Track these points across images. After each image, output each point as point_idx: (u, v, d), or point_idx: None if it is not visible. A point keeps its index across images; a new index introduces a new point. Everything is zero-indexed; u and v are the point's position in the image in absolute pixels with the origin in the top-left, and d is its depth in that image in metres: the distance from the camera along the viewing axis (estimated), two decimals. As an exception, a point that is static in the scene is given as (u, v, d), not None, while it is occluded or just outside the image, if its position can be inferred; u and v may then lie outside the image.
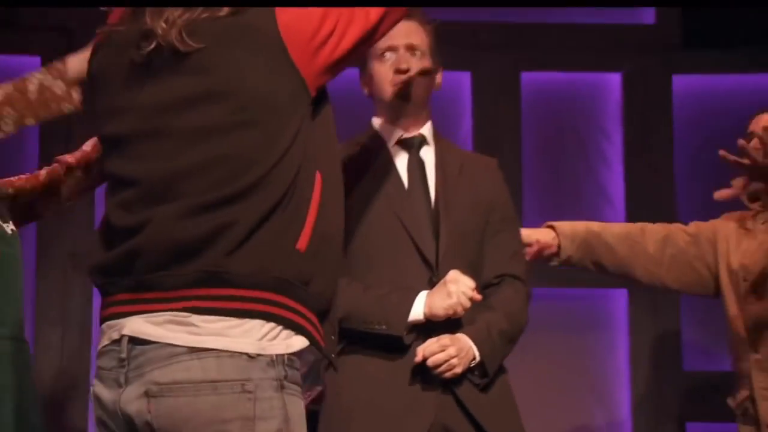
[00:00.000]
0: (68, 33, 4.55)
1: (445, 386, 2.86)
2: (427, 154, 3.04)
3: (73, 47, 4.64)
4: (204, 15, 2.00)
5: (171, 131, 2.00)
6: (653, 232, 3.47)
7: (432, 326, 2.85)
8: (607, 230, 3.49)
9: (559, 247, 3.42)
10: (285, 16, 2.02)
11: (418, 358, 2.82)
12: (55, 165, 3.16)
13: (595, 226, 3.50)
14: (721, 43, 4.68)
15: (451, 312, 2.83)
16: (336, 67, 2.09)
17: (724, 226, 3.38)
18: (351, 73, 3.05)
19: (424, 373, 2.84)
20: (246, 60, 2.00)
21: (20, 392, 3.00)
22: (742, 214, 3.36)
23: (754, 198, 3.33)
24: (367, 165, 2.98)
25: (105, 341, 2.02)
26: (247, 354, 1.95)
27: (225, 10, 2.00)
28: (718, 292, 3.42)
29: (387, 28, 2.17)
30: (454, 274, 2.86)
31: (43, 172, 3.17)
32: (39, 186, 3.17)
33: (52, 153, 3.47)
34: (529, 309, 3.08)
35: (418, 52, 2.99)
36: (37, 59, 4.49)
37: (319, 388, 2.59)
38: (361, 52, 2.15)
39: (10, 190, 3.11)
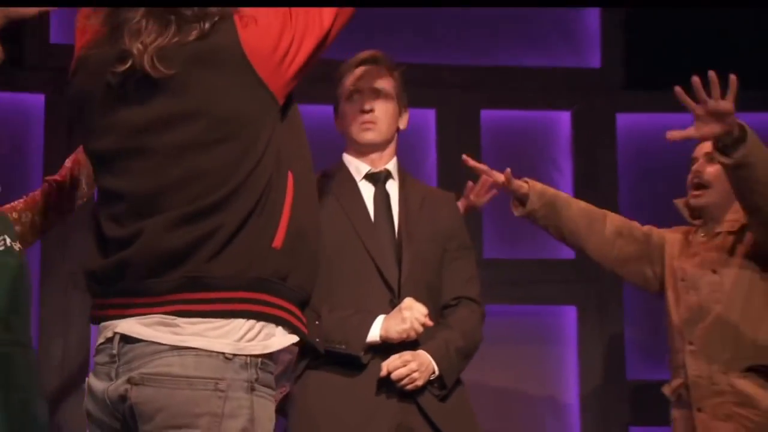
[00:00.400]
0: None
1: (407, 395, 2.93)
2: (392, 187, 3.11)
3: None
4: (174, 40, 2.01)
5: (153, 149, 2.02)
6: (613, 218, 3.57)
7: (388, 347, 2.92)
8: (574, 202, 3.58)
9: (527, 196, 3.47)
10: (247, 35, 2.03)
11: (383, 372, 2.90)
12: (45, 185, 3.22)
13: (563, 194, 3.59)
14: (661, 84, 4.38)
15: (404, 336, 2.90)
16: (300, 74, 2.10)
17: (672, 235, 3.51)
18: (327, 110, 3.20)
19: (385, 384, 2.92)
20: (215, 81, 2.01)
21: (25, 392, 3.05)
22: (687, 229, 3.50)
23: (696, 216, 3.48)
24: (337, 196, 3.04)
25: (101, 339, 2.06)
26: (224, 354, 1.98)
27: (193, 35, 2.01)
28: (659, 291, 3.52)
29: (339, 29, 2.16)
30: (408, 302, 2.92)
31: (38, 193, 3.23)
32: (37, 206, 3.23)
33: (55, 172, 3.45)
34: (483, 327, 3.14)
35: (382, 95, 3.06)
36: (41, 97, 4.57)
37: (288, 386, 2.73)
38: (319, 55, 2.14)
39: (14, 214, 3.20)
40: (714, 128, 3.01)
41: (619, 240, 3.55)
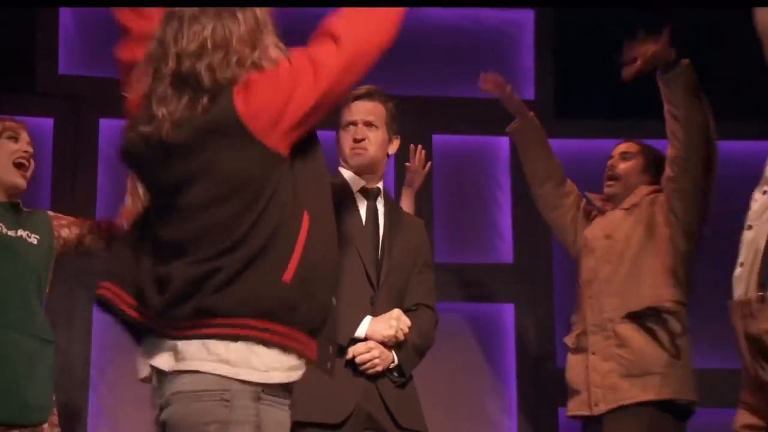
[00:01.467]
0: (78, 99, 4.83)
1: (370, 379, 3.11)
2: (380, 204, 3.30)
3: (82, 111, 4.57)
4: (186, 112, 2.13)
5: (178, 206, 2.17)
6: (571, 183, 4.03)
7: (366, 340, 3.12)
8: (554, 155, 4.04)
9: (525, 119, 3.93)
10: (242, 103, 2.13)
11: (349, 356, 3.09)
12: (95, 222, 3.49)
13: (549, 144, 4.02)
14: (587, 114, 5.02)
15: (386, 340, 3.10)
16: (299, 126, 2.15)
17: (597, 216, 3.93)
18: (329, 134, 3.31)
19: (353, 369, 3.11)
20: (217, 146, 2.12)
21: (35, 381, 3.30)
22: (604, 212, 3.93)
23: (609, 206, 3.89)
24: (336, 202, 3.07)
25: (145, 371, 2.35)
26: (227, 376, 2.12)
27: (199, 108, 2.13)
28: (574, 254, 3.93)
29: (351, 82, 2.19)
30: (398, 313, 3.11)
31: (88, 222, 3.51)
32: (83, 225, 3.49)
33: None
34: (436, 331, 3.31)
35: (374, 126, 3.25)
36: (50, 121, 4.79)
37: None
38: (327, 107, 2.19)
39: (63, 221, 3.48)
40: (650, 60, 3.53)
41: (568, 200, 3.98)
